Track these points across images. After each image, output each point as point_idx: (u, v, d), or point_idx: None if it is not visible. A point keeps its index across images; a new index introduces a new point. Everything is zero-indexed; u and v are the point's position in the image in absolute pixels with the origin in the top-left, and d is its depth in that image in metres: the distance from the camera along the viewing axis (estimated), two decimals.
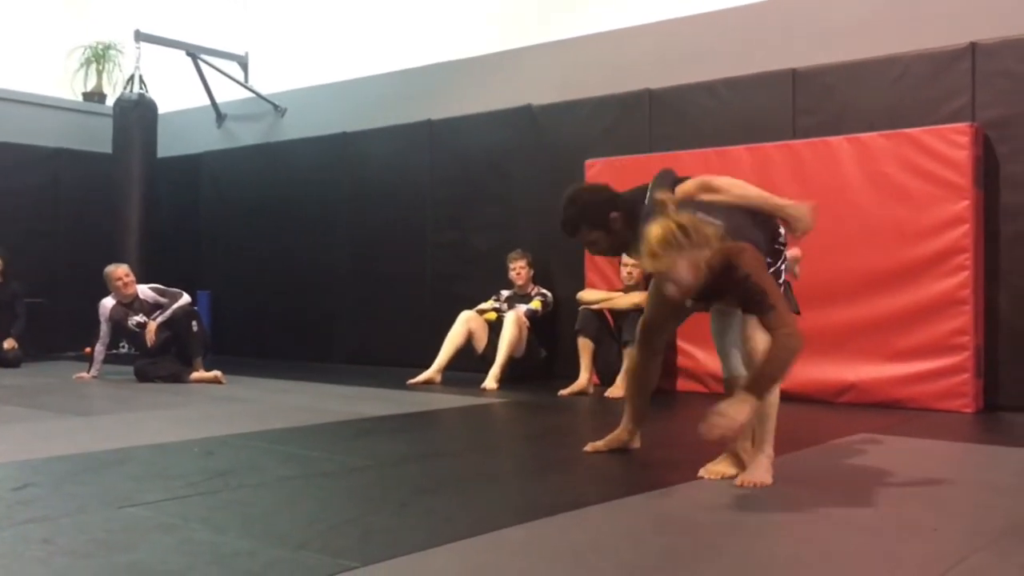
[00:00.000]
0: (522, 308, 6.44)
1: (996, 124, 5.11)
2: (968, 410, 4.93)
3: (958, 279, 4.98)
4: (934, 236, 5.06)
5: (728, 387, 3.37)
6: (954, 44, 5.24)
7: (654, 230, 2.87)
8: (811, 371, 5.38)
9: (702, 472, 3.24)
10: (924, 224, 5.09)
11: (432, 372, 6.31)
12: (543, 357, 6.55)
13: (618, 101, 6.49)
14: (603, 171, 6.26)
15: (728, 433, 2.82)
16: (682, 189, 3.27)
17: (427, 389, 6.09)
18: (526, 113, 6.94)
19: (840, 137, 5.39)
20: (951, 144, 5.03)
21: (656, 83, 6.32)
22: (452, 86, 7.52)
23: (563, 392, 5.76)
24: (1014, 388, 5.04)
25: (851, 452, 3.85)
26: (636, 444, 3.75)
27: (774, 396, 3.18)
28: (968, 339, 4.96)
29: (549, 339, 6.61)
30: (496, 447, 4.27)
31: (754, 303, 2.99)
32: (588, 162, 6.33)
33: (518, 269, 6.54)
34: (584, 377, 5.84)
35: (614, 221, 3.34)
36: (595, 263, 6.26)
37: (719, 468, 3.25)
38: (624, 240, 3.40)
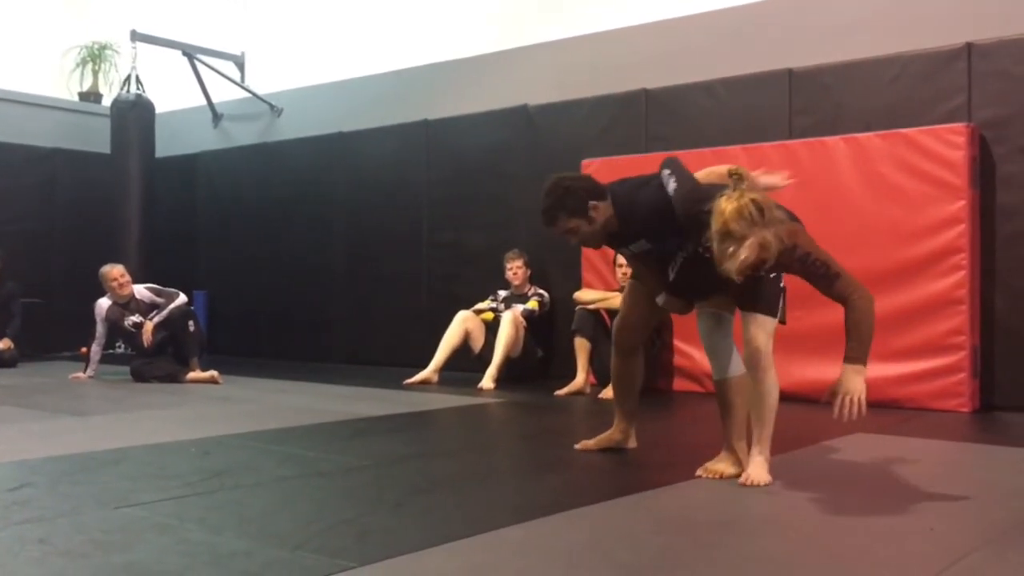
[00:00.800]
0: (519, 308, 6.44)
1: (992, 124, 5.12)
2: (964, 410, 4.93)
3: (954, 279, 4.99)
4: (930, 236, 5.06)
5: (719, 388, 3.38)
6: (950, 44, 5.25)
7: (728, 204, 2.85)
8: (808, 371, 5.39)
9: (700, 471, 3.24)
10: (920, 224, 5.09)
11: (429, 372, 6.31)
12: (540, 357, 6.55)
13: (614, 101, 6.49)
14: (599, 171, 6.23)
15: (861, 407, 2.90)
16: (718, 172, 3.29)
17: (424, 389, 6.09)
18: (522, 113, 6.94)
19: (836, 137, 5.40)
20: (947, 144, 5.04)
21: (652, 83, 6.33)
22: (449, 86, 7.52)
23: (560, 392, 5.76)
24: (1010, 388, 5.05)
25: (847, 452, 3.85)
26: (632, 444, 3.75)
27: (773, 399, 3.20)
28: (964, 339, 4.96)
29: (546, 339, 6.61)
30: (493, 447, 4.27)
31: (819, 277, 3.07)
32: (584, 162, 6.33)
33: (515, 269, 6.54)
34: (580, 377, 5.84)
35: (594, 210, 3.30)
36: (592, 263, 6.26)
37: (717, 467, 3.25)
38: (607, 231, 3.34)
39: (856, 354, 2.99)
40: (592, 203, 3.29)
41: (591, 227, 3.31)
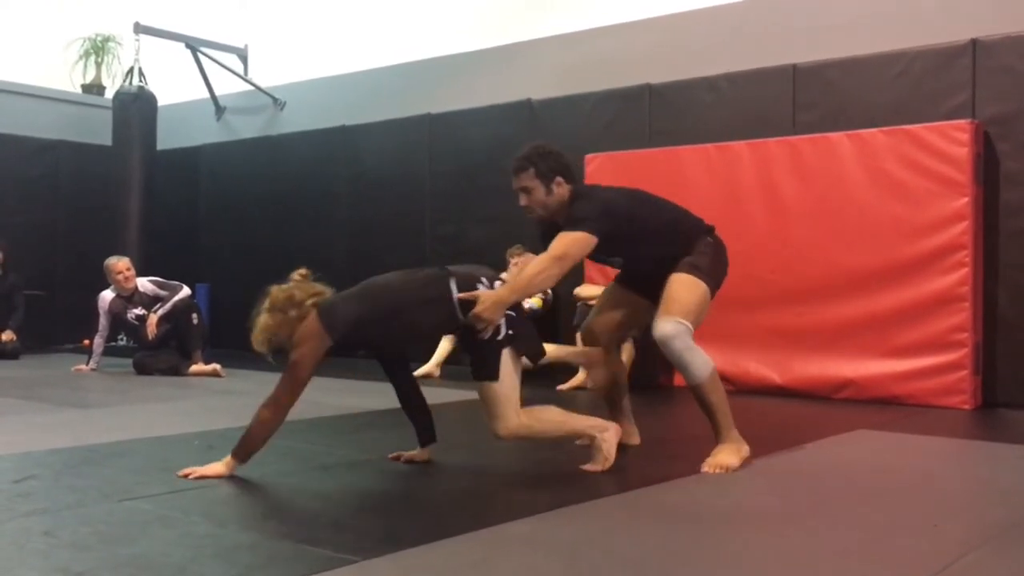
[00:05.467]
0: (524, 305, 6.44)
1: (996, 121, 5.12)
2: (966, 407, 4.94)
3: (957, 276, 4.99)
4: (934, 232, 5.06)
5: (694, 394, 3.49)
6: (955, 41, 5.24)
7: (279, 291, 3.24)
8: (810, 367, 5.40)
9: (704, 466, 3.25)
10: (924, 220, 5.09)
11: (431, 366, 6.31)
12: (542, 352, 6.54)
13: (618, 96, 6.48)
14: (603, 166, 6.26)
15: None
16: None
17: (426, 383, 6.05)
18: (526, 107, 6.93)
19: (840, 133, 5.39)
20: (951, 141, 5.03)
21: (656, 78, 6.32)
22: (452, 80, 7.51)
23: (562, 387, 5.76)
24: (1012, 385, 5.05)
25: (850, 448, 3.86)
26: (636, 440, 3.76)
27: (713, 390, 3.33)
28: (967, 336, 4.97)
29: (548, 334, 6.60)
30: (495, 441, 4.26)
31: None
32: (588, 157, 6.33)
33: (520, 264, 6.53)
34: (582, 373, 5.84)
35: (558, 185, 3.37)
36: None
37: (720, 460, 3.26)
38: (550, 212, 3.42)
39: (239, 450, 3.04)
40: (559, 178, 3.37)
41: (546, 198, 3.39)
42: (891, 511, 2.76)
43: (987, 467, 3.56)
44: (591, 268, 6.28)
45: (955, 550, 2.35)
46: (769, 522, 2.64)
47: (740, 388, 5.62)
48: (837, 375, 5.30)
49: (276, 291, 3.15)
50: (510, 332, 3.09)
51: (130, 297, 6.58)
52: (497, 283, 3.17)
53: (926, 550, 2.37)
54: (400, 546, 2.31)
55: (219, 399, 5.24)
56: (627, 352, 5.66)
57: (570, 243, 3.22)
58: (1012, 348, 5.05)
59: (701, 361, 3.30)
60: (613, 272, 6.01)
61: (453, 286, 3.07)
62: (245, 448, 3.03)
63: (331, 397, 5.32)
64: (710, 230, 3.51)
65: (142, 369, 6.45)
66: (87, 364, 6.63)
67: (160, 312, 6.50)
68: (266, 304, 3.11)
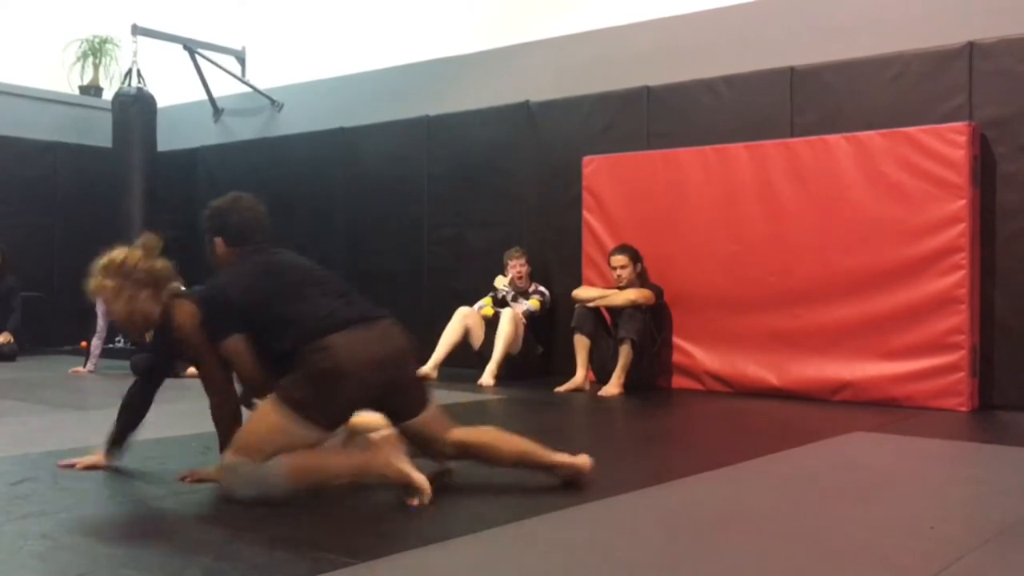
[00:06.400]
0: (523, 304, 6.45)
1: (993, 123, 5.12)
2: (964, 409, 4.94)
3: (954, 278, 5.00)
4: (931, 235, 5.07)
5: None
6: (952, 43, 5.25)
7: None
8: (807, 369, 5.41)
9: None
10: (921, 223, 5.10)
11: (428, 368, 6.30)
12: (540, 354, 6.55)
13: (616, 98, 6.49)
14: (601, 168, 6.27)
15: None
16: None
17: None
18: (524, 110, 6.94)
19: (838, 135, 5.40)
20: (948, 143, 5.04)
21: (654, 80, 6.33)
22: (450, 82, 7.52)
23: (559, 389, 5.76)
24: (1009, 387, 5.05)
25: (847, 450, 3.86)
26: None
27: (310, 473, 2.83)
28: (964, 338, 4.97)
29: (546, 336, 6.61)
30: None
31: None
32: (586, 159, 6.33)
33: (517, 267, 6.54)
34: (580, 374, 5.85)
35: (218, 245, 3.26)
36: (592, 260, 6.27)
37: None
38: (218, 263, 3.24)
39: (224, 444, 2.97)
40: (218, 239, 3.25)
41: (212, 254, 3.31)
42: (888, 513, 2.76)
43: (984, 469, 3.56)
44: (590, 269, 6.28)
45: (953, 552, 2.35)
46: (767, 523, 2.65)
47: (738, 390, 5.63)
48: (835, 377, 5.31)
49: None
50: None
51: None
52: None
53: (924, 552, 2.37)
54: (399, 548, 2.31)
55: None
56: (624, 355, 5.67)
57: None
58: (1009, 350, 5.05)
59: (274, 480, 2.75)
60: (610, 274, 6.06)
61: None
62: (224, 438, 3.01)
63: None
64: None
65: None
66: (85, 366, 6.62)
67: None
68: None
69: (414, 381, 3.05)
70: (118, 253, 3.15)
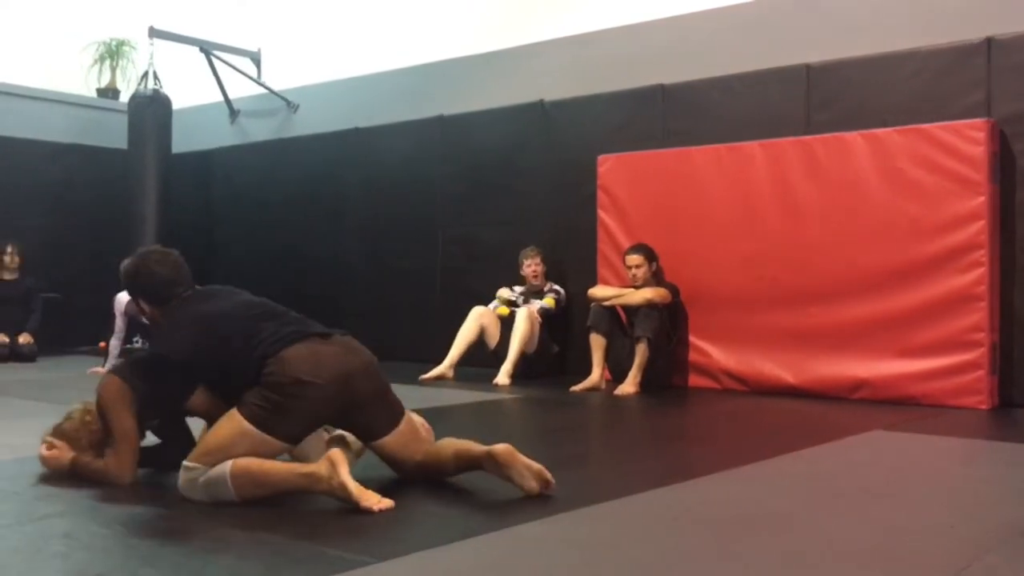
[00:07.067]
0: (536, 304, 6.45)
1: (1012, 120, 5.08)
2: (983, 407, 4.91)
3: (973, 275, 4.96)
4: (949, 232, 5.03)
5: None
6: (970, 39, 5.21)
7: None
8: (825, 367, 5.38)
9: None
10: (939, 220, 5.06)
11: (444, 367, 6.32)
12: (555, 353, 6.55)
13: (631, 96, 6.47)
14: (616, 166, 6.26)
15: None
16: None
17: (439, 384, 6.10)
18: (538, 109, 6.94)
19: (855, 133, 5.37)
20: (967, 140, 5.00)
21: (669, 78, 6.31)
22: (464, 82, 7.52)
23: (575, 388, 5.76)
24: None
25: (865, 448, 3.84)
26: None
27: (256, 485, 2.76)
28: (983, 336, 4.94)
29: (561, 335, 6.61)
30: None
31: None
32: (601, 158, 6.32)
33: (532, 267, 6.54)
34: (596, 373, 5.84)
35: (141, 305, 3.20)
36: (607, 259, 6.26)
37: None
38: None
39: None
40: (140, 301, 3.21)
41: (141, 312, 3.29)
42: (907, 512, 2.75)
43: (1004, 468, 3.53)
44: (605, 269, 6.28)
45: (972, 551, 2.33)
46: (784, 523, 2.63)
47: (754, 388, 5.61)
48: (852, 375, 5.28)
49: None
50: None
51: None
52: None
53: (942, 551, 2.36)
54: (415, 548, 2.31)
55: None
56: (640, 353, 5.66)
57: None
58: None
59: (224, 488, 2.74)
60: (625, 273, 6.05)
61: None
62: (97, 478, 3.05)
63: None
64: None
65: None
66: (103, 366, 6.66)
67: None
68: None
69: (382, 399, 2.98)
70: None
